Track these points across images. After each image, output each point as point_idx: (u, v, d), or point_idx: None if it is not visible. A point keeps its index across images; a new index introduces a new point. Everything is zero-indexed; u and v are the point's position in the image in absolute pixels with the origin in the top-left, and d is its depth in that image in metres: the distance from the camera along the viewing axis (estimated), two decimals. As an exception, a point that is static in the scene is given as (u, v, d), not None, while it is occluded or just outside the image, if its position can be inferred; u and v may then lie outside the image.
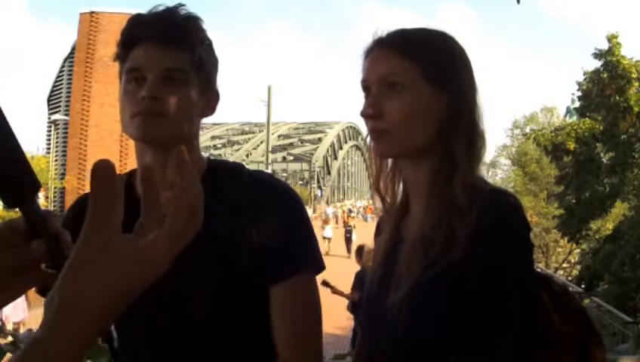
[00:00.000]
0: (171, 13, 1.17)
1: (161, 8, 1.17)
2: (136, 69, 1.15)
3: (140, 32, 1.16)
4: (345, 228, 24.26)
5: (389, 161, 1.19)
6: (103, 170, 0.52)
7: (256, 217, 1.17)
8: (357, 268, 7.07)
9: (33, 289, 0.70)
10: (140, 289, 0.53)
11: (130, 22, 1.19)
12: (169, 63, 1.14)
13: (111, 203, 0.52)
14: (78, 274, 0.51)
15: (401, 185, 1.19)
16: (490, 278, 0.96)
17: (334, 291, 6.62)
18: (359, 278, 6.63)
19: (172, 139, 1.16)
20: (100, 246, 0.51)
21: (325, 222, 25.28)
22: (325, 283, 6.09)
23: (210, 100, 1.24)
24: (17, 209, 0.63)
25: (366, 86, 1.12)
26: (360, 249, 7.20)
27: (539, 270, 1.17)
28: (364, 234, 14.91)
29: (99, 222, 0.52)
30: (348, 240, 22.69)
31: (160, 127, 1.13)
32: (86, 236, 0.52)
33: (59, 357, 0.50)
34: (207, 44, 1.21)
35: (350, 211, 38.93)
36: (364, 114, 1.10)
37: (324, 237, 22.78)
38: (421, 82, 1.07)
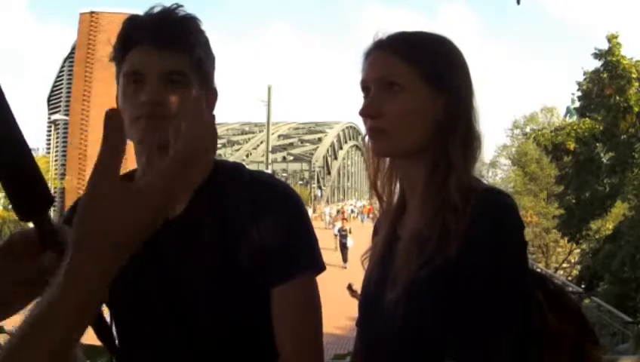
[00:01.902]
0: (169, 14, 1.16)
1: (157, 9, 1.16)
2: (135, 72, 1.14)
3: (137, 34, 1.15)
4: (339, 233, 20.45)
5: (387, 160, 1.21)
6: (115, 122, 0.55)
7: (256, 217, 1.17)
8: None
9: None
10: (146, 228, 0.55)
11: (127, 23, 1.17)
12: (169, 66, 1.13)
13: (117, 153, 0.55)
14: (88, 216, 0.54)
15: (398, 185, 1.20)
16: (485, 277, 0.97)
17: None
18: None
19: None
20: (106, 191, 0.54)
21: (335, 219, 25.18)
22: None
23: (209, 99, 1.24)
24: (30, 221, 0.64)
25: (365, 86, 1.14)
26: None
27: (537, 270, 1.18)
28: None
29: (104, 171, 0.54)
30: (343, 247, 19.42)
31: (162, 130, 1.13)
32: (93, 184, 0.54)
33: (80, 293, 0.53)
34: (205, 43, 1.20)
35: (352, 211, 37.96)
36: (363, 113, 1.12)
37: (335, 235, 22.12)
38: (419, 83, 1.09)
